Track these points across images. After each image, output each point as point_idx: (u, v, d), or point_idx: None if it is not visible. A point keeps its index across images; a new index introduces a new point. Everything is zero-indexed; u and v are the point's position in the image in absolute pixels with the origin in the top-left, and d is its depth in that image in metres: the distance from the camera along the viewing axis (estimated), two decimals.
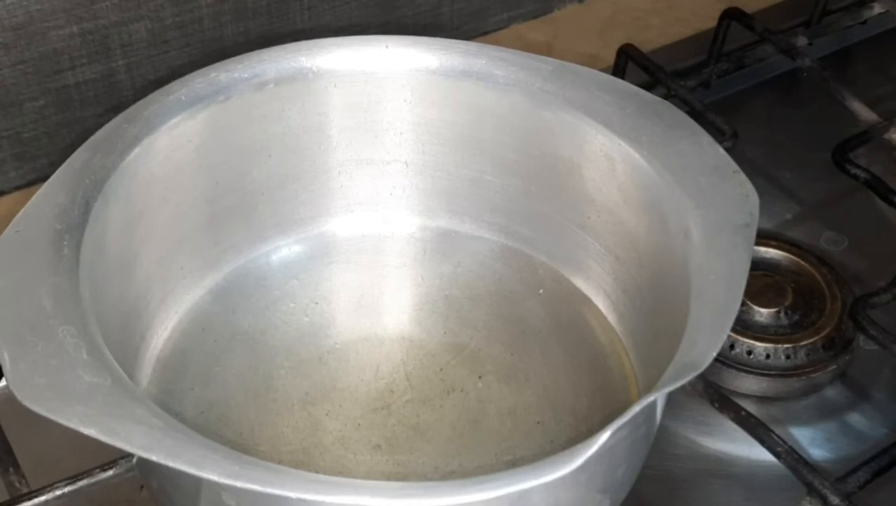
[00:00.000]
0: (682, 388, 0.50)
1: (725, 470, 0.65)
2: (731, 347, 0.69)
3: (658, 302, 0.62)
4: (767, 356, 0.68)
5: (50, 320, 0.52)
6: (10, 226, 0.56)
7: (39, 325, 0.51)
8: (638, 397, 0.49)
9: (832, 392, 0.69)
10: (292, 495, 0.46)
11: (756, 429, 0.62)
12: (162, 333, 0.65)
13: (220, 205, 0.67)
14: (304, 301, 0.69)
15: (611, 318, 0.67)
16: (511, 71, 0.66)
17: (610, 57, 0.85)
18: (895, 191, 0.75)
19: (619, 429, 0.47)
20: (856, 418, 0.67)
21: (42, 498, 0.58)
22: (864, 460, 0.61)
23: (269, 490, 0.45)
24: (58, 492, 0.58)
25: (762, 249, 0.74)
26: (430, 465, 0.61)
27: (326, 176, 0.70)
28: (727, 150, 0.62)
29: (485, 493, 0.46)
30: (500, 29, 0.93)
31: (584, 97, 0.64)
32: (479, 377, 0.65)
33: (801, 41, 0.86)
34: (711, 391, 0.63)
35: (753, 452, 0.62)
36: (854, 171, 0.76)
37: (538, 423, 0.63)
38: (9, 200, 0.75)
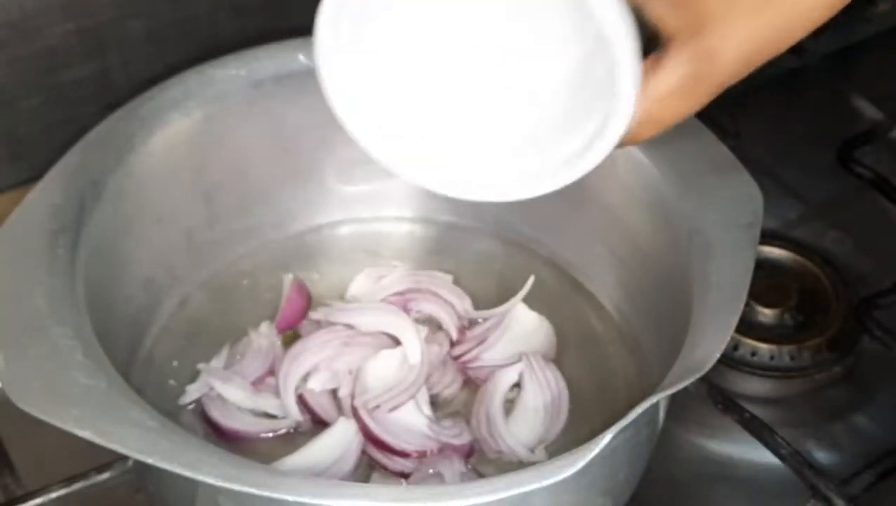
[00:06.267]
0: (685, 390, 0.49)
1: (729, 473, 0.65)
2: (735, 348, 0.68)
3: (661, 302, 0.61)
4: (771, 358, 0.68)
5: (45, 321, 0.51)
6: (4, 225, 0.56)
7: (34, 326, 0.51)
8: (640, 399, 0.49)
9: (837, 394, 0.68)
10: (289, 498, 0.45)
11: (760, 431, 0.61)
12: (157, 333, 0.65)
13: (216, 204, 0.67)
14: None
15: (613, 318, 0.67)
16: None
17: None
18: None
19: (621, 431, 0.46)
20: (860, 420, 0.67)
21: (37, 500, 0.57)
22: (869, 463, 0.61)
23: (266, 493, 0.45)
24: (53, 494, 0.57)
25: (766, 249, 0.73)
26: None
27: (323, 174, 0.69)
28: (731, 148, 0.62)
29: (486, 495, 0.45)
30: None
31: None
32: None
33: (806, 38, 0.86)
34: (715, 393, 0.63)
35: (757, 454, 0.62)
36: (859, 170, 0.76)
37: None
38: (3, 199, 0.75)
